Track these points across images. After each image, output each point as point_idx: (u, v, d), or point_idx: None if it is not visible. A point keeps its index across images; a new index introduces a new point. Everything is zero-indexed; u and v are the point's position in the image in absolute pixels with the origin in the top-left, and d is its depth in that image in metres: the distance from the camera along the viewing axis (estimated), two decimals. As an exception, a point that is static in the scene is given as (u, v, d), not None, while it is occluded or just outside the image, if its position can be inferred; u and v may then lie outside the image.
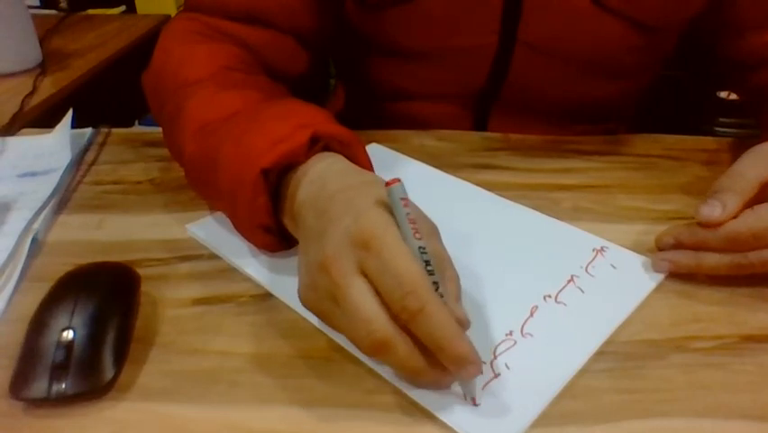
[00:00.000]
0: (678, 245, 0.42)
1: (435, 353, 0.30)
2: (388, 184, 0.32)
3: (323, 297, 0.33)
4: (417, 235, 0.32)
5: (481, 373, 0.32)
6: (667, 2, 0.55)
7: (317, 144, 0.40)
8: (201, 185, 0.47)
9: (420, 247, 0.32)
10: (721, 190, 0.40)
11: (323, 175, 0.38)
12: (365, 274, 0.31)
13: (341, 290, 0.31)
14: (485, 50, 0.59)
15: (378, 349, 0.31)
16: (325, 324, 0.36)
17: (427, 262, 0.32)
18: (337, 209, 0.34)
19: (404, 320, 0.30)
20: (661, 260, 0.42)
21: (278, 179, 0.40)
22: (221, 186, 0.41)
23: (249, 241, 0.43)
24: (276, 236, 0.42)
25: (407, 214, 0.32)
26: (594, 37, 0.57)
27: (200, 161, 0.44)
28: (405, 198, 0.33)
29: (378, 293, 0.31)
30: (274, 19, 0.56)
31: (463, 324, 0.32)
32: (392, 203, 0.33)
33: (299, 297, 0.36)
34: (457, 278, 0.34)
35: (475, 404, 0.32)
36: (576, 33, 0.57)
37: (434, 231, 0.35)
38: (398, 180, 0.32)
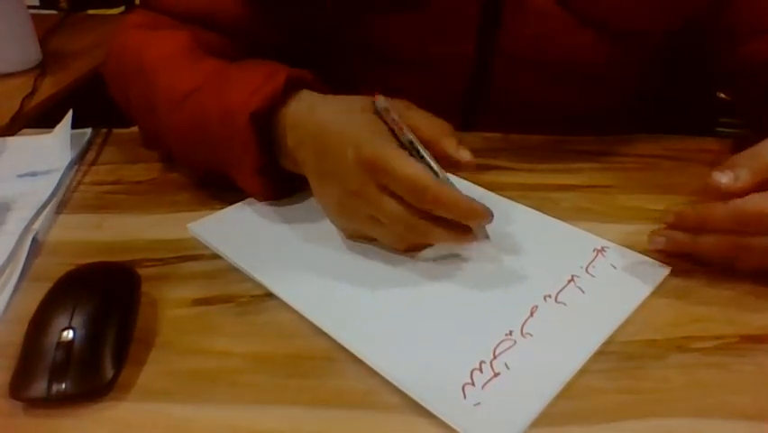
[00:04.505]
0: (679, 224, 0.41)
1: (458, 218, 0.39)
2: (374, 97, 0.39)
3: (359, 218, 0.41)
4: (404, 134, 0.40)
5: (491, 215, 0.39)
6: (644, 12, 0.55)
7: (291, 86, 0.45)
8: (190, 148, 0.50)
9: (410, 142, 0.40)
10: (736, 165, 0.39)
11: (301, 114, 0.44)
12: (383, 188, 0.39)
13: (378, 210, 0.39)
14: (463, 59, 0.59)
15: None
16: (368, 237, 0.43)
17: (418, 151, 0.40)
18: (336, 147, 0.40)
19: (427, 210, 0.38)
20: (656, 237, 0.42)
21: (265, 122, 0.45)
22: (212, 141, 0.47)
23: (247, 189, 0.48)
24: (273, 182, 0.48)
25: (393, 120, 0.39)
26: (573, 47, 0.57)
27: (186, 126, 0.48)
28: (387, 109, 0.40)
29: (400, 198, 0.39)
30: (215, 23, 0.56)
31: (470, 162, 0.40)
32: (380, 114, 0.40)
33: (336, 226, 0.45)
34: (444, 129, 0.41)
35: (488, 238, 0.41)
36: (555, 43, 0.57)
37: (408, 108, 0.42)
38: (378, 96, 0.39)
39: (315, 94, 0.46)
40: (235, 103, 0.45)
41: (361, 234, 0.44)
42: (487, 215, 0.39)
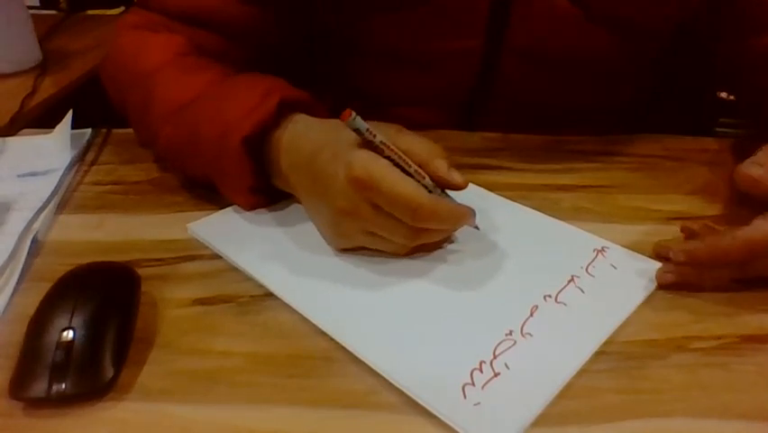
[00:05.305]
0: (689, 262, 0.40)
1: (451, 226, 0.43)
2: (343, 119, 0.37)
3: (354, 235, 0.41)
4: (390, 152, 0.39)
5: (474, 213, 0.42)
6: (651, 7, 0.55)
7: (285, 108, 0.45)
8: (183, 160, 0.51)
9: (399, 159, 0.39)
10: (759, 162, 0.40)
11: (296, 138, 0.44)
12: (376, 206, 0.38)
13: (374, 226, 0.40)
14: (470, 54, 0.59)
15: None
16: (364, 247, 0.43)
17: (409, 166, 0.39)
18: (327, 168, 0.40)
19: (423, 226, 0.40)
20: (665, 272, 0.41)
21: (258, 143, 0.45)
22: (205, 158, 0.47)
23: (238, 204, 0.49)
24: (262, 195, 0.48)
25: (375, 136, 0.38)
26: (581, 43, 0.57)
27: (180, 139, 0.49)
28: (367, 127, 0.38)
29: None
30: (211, 23, 0.56)
31: (461, 185, 0.41)
32: (359, 133, 0.38)
33: (331, 245, 0.44)
34: (435, 151, 0.41)
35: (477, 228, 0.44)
36: (563, 40, 0.57)
37: (399, 132, 0.41)
38: (351, 112, 0.37)
39: (308, 117, 0.46)
40: (229, 123, 0.45)
41: (354, 246, 0.43)
42: (472, 215, 0.42)
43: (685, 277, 0.41)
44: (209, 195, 0.51)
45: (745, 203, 0.42)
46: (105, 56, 0.58)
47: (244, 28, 0.57)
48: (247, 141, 0.44)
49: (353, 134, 0.39)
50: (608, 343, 0.37)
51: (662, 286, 0.41)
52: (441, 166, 0.40)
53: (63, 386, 0.33)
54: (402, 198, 0.37)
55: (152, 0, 0.57)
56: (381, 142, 0.38)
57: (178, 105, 0.49)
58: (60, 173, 0.55)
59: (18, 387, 0.33)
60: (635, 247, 0.45)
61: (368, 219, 0.39)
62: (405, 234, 0.40)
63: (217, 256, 0.44)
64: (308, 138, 0.43)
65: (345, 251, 0.44)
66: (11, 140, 0.62)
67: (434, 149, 0.41)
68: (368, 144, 0.39)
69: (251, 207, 0.48)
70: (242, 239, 0.45)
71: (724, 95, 0.80)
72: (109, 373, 0.34)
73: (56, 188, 0.52)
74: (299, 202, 0.48)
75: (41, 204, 0.50)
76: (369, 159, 0.38)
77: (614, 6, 0.55)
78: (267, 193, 0.48)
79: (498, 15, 0.56)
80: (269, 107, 0.44)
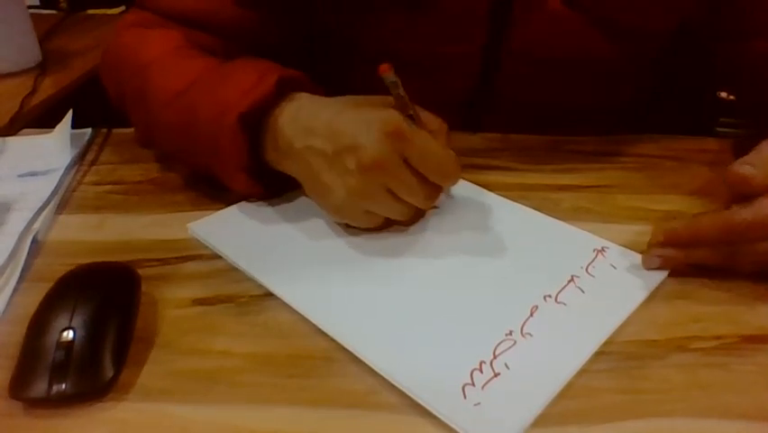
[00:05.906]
0: (670, 241, 0.42)
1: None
2: (382, 70, 0.39)
3: (375, 192, 0.41)
4: (411, 110, 0.42)
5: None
6: (651, 10, 0.55)
7: (284, 86, 0.45)
8: (181, 148, 0.51)
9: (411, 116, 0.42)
10: (750, 163, 0.40)
11: (303, 108, 0.44)
12: (405, 160, 0.40)
13: (399, 182, 0.41)
14: (471, 56, 0.59)
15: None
16: (374, 218, 0.44)
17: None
18: (354, 123, 0.40)
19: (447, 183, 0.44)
20: (651, 257, 0.42)
21: (255, 123, 0.45)
22: (202, 141, 0.46)
23: (233, 188, 0.48)
24: (258, 181, 0.47)
25: (405, 92, 0.41)
26: (581, 45, 0.57)
27: (178, 125, 0.49)
28: (395, 83, 0.40)
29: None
30: (208, 25, 0.56)
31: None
32: (395, 86, 0.41)
33: (335, 213, 0.44)
34: (442, 127, 0.45)
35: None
36: (563, 42, 0.57)
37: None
38: (390, 65, 0.39)
39: (310, 94, 0.46)
40: (226, 102, 0.45)
41: (364, 215, 0.43)
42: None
43: (671, 260, 0.42)
44: (209, 195, 0.51)
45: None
46: (105, 53, 0.58)
47: (241, 30, 0.57)
48: (243, 118, 0.44)
49: (381, 97, 0.42)
50: (608, 343, 0.37)
51: (650, 269, 0.42)
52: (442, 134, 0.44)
53: (63, 386, 0.33)
54: (435, 155, 0.40)
55: (148, 1, 0.58)
56: (408, 99, 0.41)
57: (175, 91, 0.49)
58: (60, 173, 0.55)
59: (18, 387, 0.33)
60: (634, 247, 0.45)
61: (395, 174, 0.40)
62: (426, 193, 0.42)
63: (217, 256, 0.44)
64: (319, 105, 0.44)
65: (345, 228, 0.45)
66: (11, 140, 0.62)
67: (441, 125, 0.45)
68: (399, 100, 0.41)
69: (246, 191, 0.48)
70: (242, 239, 0.45)
71: (724, 95, 0.80)
72: (109, 373, 0.34)
73: (56, 188, 0.53)
74: (297, 198, 0.48)
75: (41, 204, 0.50)
76: (402, 117, 0.40)
77: (613, 9, 0.55)
78: (262, 180, 0.47)
79: (499, 17, 0.56)
80: (268, 85, 0.44)
